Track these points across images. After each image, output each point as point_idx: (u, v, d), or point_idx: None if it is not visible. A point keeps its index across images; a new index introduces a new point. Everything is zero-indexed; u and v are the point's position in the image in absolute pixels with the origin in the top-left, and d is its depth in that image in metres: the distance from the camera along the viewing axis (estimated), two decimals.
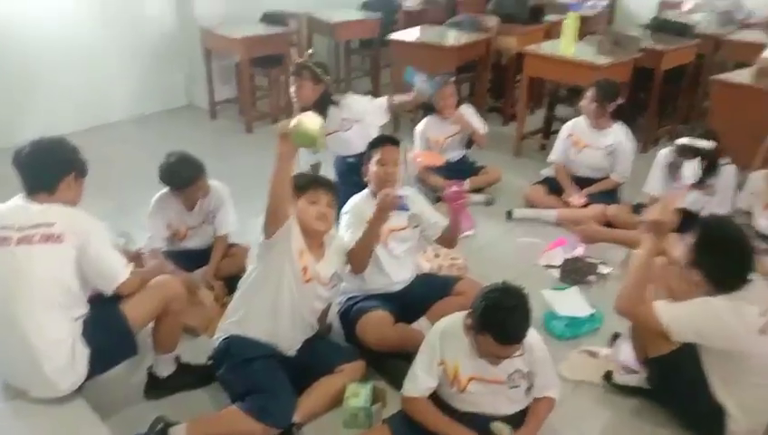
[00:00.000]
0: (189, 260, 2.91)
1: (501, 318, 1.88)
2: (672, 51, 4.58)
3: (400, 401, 2.15)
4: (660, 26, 5.06)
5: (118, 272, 2.13)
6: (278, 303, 2.21)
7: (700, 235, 2.11)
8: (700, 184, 3.23)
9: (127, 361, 2.28)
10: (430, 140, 4.00)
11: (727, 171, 3.23)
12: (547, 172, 3.99)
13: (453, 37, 4.97)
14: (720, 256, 2.07)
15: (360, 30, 5.74)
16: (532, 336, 2.02)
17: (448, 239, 2.69)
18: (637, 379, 2.42)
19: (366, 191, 2.63)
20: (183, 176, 2.78)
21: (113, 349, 2.15)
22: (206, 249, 2.96)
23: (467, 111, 4.04)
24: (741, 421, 2.11)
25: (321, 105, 3.43)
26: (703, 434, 2.22)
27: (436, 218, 2.68)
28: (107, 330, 2.11)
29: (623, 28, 5.37)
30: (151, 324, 2.29)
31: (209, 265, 2.91)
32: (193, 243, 2.97)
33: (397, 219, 2.55)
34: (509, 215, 3.78)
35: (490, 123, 5.06)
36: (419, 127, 4.05)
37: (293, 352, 2.32)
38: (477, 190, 3.95)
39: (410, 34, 5.13)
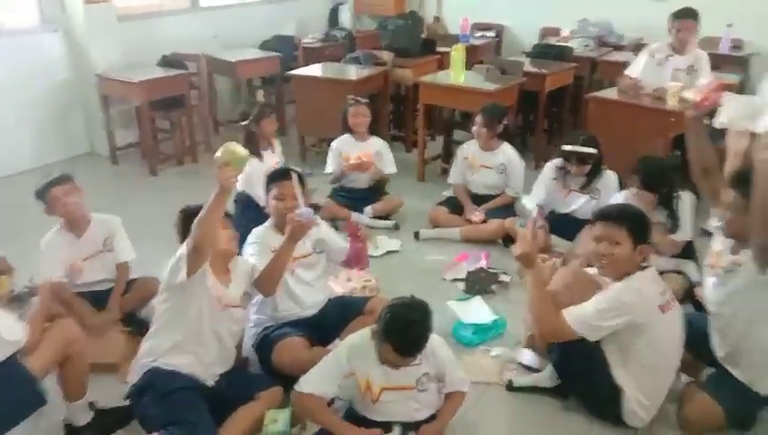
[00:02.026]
0: (98, 302, 2.88)
1: (402, 330, 2.00)
2: (553, 74, 4.97)
3: (291, 398, 2.24)
4: (542, 52, 5.47)
5: (16, 338, 2.10)
6: (201, 332, 2.28)
7: (635, 215, 2.33)
8: (587, 187, 3.55)
9: (39, 416, 2.22)
10: (342, 156, 4.12)
11: (608, 175, 3.56)
12: (449, 193, 4.22)
13: (352, 72, 5.18)
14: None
15: (260, 68, 5.85)
16: (434, 340, 2.15)
17: (351, 264, 2.83)
18: (535, 378, 2.61)
19: (268, 223, 2.72)
20: (48, 183, 2.79)
21: (17, 403, 2.09)
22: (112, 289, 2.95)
23: (382, 150, 4.18)
24: (637, 401, 2.30)
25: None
26: (603, 416, 2.41)
27: (340, 242, 2.81)
28: (7, 384, 2.05)
29: (509, 56, 5.79)
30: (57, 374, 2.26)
31: (112, 295, 2.90)
32: (94, 275, 2.93)
33: (301, 247, 2.64)
34: (416, 236, 3.96)
35: (394, 151, 5.29)
36: (334, 143, 4.20)
37: (213, 382, 2.35)
38: (383, 217, 4.12)
39: (312, 70, 5.32)
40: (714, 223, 2.45)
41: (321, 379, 2.19)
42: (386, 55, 5.42)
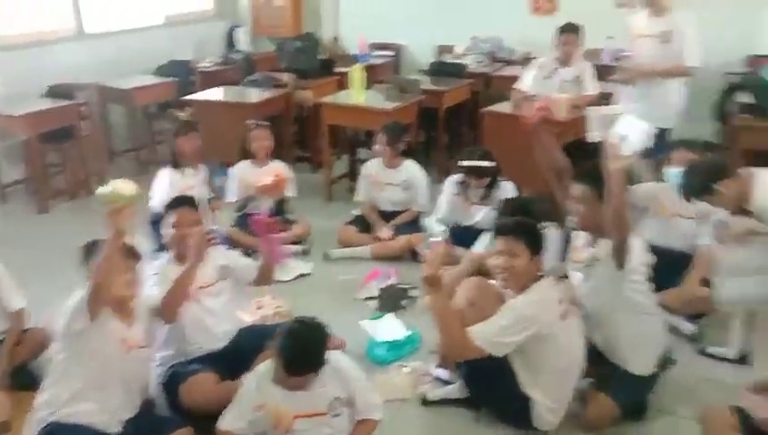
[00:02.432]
0: None
1: (290, 347, 2.00)
2: (450, 91, 5.13)
3: None
4: (438, 70, 5.64)
5: None
6: (105, 377, 2.18)
7: (531, 226, 2.42)
8: (487, 199, 3.67)
9: None
10: (242, 182, 4.05)
11: (506, 186, 3.70)
12: (357, 212, 4.24)
13: (253, 94, 5.13)
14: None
15: (156, 94, 5.68)
16: (342, 361, 2.15)
17: (265, 277, 2.78)
18: (448, 390, 2.64)
19: (167, 256, 2.64)
20: None
21: None
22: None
23: (283, 173, 4.10)
24: (544, 406, 2.38)
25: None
26: (514, 423, 2.47)
27: (246, 262, 2.78)
28: None
29: (407, 74, 5.91)
30: None
31: (2, 346, 2.69)
32: None
33: (205, 275, 2.59)
34: (326, 256, 3.95)
35: (300, 172, 5.28)
36: (234, 170, 4.12)
37: (119, 428, 2.23)
38: (293, 243, 4.03)
39: (211, 94, 5.21)
40: (571, 220, 2.60)
41: (235, 413, 2.14)
42: (286, 77, 5.40)
